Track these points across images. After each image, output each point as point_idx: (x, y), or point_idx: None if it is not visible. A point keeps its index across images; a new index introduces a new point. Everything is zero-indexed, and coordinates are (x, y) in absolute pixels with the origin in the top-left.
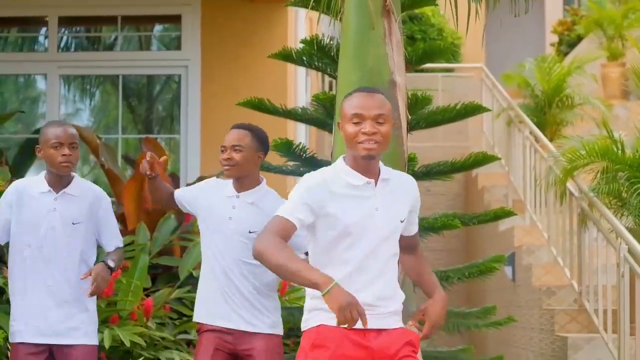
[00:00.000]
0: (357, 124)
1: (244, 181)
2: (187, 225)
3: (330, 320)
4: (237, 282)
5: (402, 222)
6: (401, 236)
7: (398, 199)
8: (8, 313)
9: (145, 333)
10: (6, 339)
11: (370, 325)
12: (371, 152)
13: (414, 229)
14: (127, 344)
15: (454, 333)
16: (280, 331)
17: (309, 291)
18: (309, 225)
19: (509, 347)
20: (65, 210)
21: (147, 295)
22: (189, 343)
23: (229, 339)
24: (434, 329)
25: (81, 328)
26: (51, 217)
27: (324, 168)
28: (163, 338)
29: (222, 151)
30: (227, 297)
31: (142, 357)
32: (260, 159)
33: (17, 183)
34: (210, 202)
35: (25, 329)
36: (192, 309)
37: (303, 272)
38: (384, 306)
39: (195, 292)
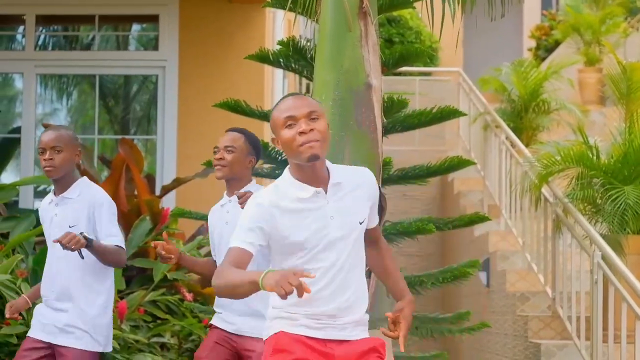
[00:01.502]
0: (291, 126)
1: (235, 185)
2: (162, 227)
3: (290, 327)
4: None
5: (362, 223)
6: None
7: (356, 199)
8: None
9: (119, 335)
10: None
11: (331, 336)
12: (314, 151)
13: (374, 222)
14: None
15: (427, 338)
16: None
17: (270, 300)
18: (267, 245)
19: (482, 352)
20: (62, 214)
21: (121, 298)
22: (163, 346)
23: (234, 337)
24: (408, 330)
25: (76, 332)
26: (53, 223)
27: (274, 183)
28: (137, 341)
29: (215, 152)
30: (231, 301)
31: None
32: (252, 163)
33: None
34: (215, 221)
35: (33, 324)
36: (166, 312)
37: (244, 279)
38: (346, 316)
39: (169, 294)
